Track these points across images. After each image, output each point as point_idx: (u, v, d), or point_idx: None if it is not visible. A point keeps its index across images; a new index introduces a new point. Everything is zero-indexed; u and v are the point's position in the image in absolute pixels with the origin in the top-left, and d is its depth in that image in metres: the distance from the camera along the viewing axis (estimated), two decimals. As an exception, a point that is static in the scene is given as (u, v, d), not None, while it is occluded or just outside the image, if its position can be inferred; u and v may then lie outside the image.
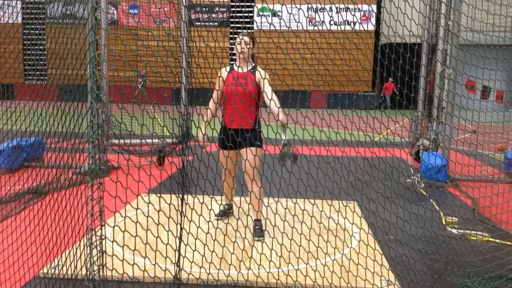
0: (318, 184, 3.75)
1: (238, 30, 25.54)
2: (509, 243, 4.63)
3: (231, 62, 4.79)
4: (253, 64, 4.69)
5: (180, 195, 3.33)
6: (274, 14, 23.17)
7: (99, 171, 3.05)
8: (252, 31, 25.01)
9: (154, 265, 3.30)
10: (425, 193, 6.73)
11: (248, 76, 4.55)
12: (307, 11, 22.12)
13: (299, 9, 3.82)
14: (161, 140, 8.17)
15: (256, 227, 4.57)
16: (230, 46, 24.18)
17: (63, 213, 3.33)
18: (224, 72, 4.64)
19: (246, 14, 26.13)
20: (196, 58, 3.54)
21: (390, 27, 3.70)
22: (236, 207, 5.08)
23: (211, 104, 4.51)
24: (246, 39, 4.59)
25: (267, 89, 4.35)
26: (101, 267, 3.18)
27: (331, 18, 23.53)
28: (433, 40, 7.93)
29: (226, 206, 5.15)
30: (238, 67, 4.53)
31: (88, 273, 3.17)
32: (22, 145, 7.25)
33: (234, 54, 4.63)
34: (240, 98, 4.42)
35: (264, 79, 4.44)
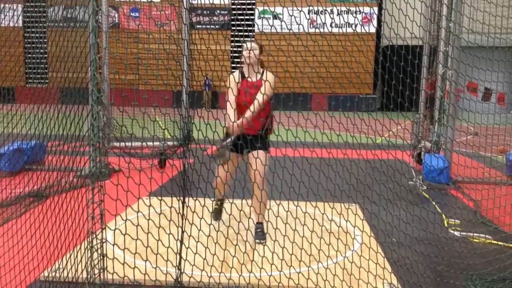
0: (319, 187, 3.74)
1: (239, 33, 25.55)
2: (512, 245, 4.62)
3: (240, 65, 4.71)
4: (262, 71, 4.60)
5: (181, 198, 3.32)
6: (275, 16, 23.20)
7: (100, 174, 3.04)
8: (253, 33, 25.05)
9: (155, 268, 3.29)
10: (427, 196, 6.71)
11: (258, 85, 4.48)
12: (308, 13, 22.12)
13: (300, 11, 3.81)
14: (162, 142, 8.16)
15: (258, 230, 4.56)
16: (231, 49, 24.21)
17: (64, 216, 3.32)
18: (237, 78, 4.56)
19: (247, 17, 26.16)
20: (197, 60, 3.54)
21: (392, 29, 3.70)
22: (237, 210, 5.05)
23: (231, 109, 4.35)
24: (253, 45, 4.52)
25: (259, 95, 4.27)
26: (102, 270, 3.17)
27: (333, 20, 23.58)
28: (435, 42, 7.92)
29: (218, 202, 4.98)
30: (247, 77, 4.49)
31: (89, 276, 3.16)
32: (23, 148, 7.24)
33: (239, 61, 4.60)
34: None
35: (265, 81, 4.27)
